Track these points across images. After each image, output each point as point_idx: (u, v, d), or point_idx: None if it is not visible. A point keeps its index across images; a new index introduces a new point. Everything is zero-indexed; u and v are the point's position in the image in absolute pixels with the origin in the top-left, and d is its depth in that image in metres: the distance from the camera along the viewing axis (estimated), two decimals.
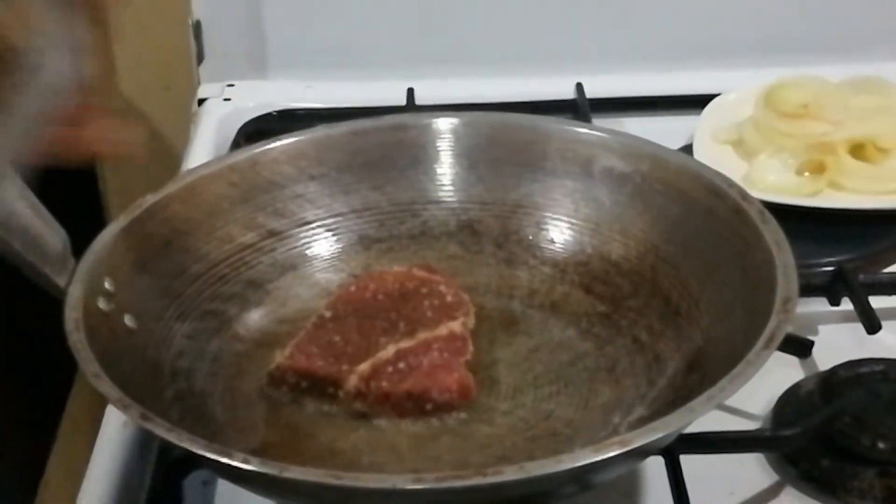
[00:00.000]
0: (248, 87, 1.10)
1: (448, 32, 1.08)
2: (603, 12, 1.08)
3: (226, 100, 1.09)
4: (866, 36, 1.09)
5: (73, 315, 0.62)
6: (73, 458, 0.73)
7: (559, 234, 0.77)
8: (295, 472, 0.52)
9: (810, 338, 0.76)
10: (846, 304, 0.77)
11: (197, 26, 1.10)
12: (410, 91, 1.01)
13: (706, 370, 0.64)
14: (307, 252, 0.77)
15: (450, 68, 1.06)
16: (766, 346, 0.58)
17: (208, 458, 0.53)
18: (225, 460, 0.52)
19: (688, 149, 0.94)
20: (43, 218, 0.64)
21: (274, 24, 1.09)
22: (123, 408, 0.56)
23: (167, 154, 1.21)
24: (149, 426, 0.55)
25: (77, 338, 0.61)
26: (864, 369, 0.72)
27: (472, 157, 0.79)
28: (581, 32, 1.08)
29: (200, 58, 1.10)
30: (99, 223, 0.70)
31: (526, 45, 1.09)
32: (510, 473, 0.51)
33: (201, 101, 1.09)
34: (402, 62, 1.08)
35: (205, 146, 1.01)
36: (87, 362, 0.59)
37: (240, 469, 0.52)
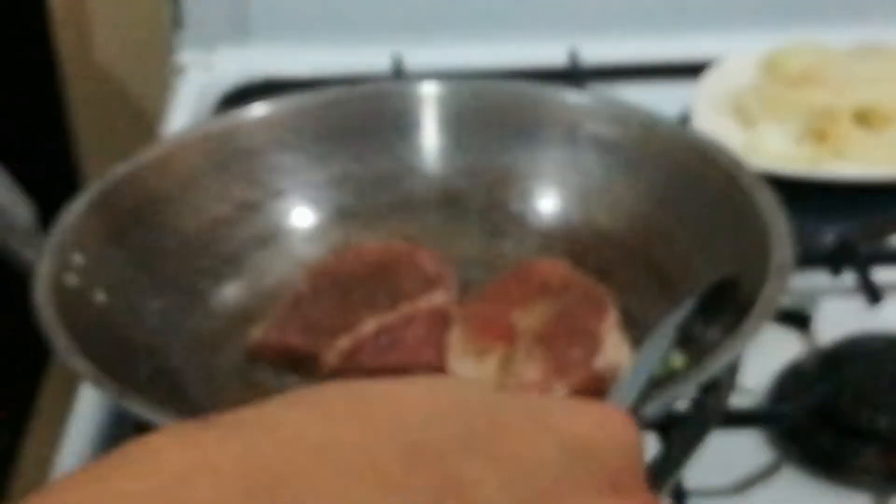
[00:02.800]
0: (230, 54, 1.06)
1: None
2: None
3: (205, 67, 1.05)
4: (871, 1, 1.06)
5: (42, 290, 0.60)
6: (49, 435, 0.71)
7: (546, 203, 0.74)
8: None
9: (811, 311, 0.75)
10: (847, 278, 0.76)
11: None
12: (398, 57, 0.99)
13: None
14: (283, 224, 0.74)
15: (439, 34, 1.03)
16: (762, 314, 0.56)
17: None
18: None
19: (686, 116, 0.92)
20: (10, 191, 0.62)
21: None
22: (98, 385, 0.54)
23: (145, 124, 1.19)
24: (126, 404, 0.53)
25: (47, 313, 0.58)
26: (864, 344, 0.71)
27: (455, 125, 0.76)
28: None
29: (179, 23, 1.07)
30: (73, 194, 0.67)
31: (518, 10, 1.06)
32: None
33: (180, 69, 1.06)
34: (388, 27, 1.05)
35: (184, 115, 0.98)
36: (59, 339, 0.57)
37: None
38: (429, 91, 0.77)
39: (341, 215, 0.75)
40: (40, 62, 1.18)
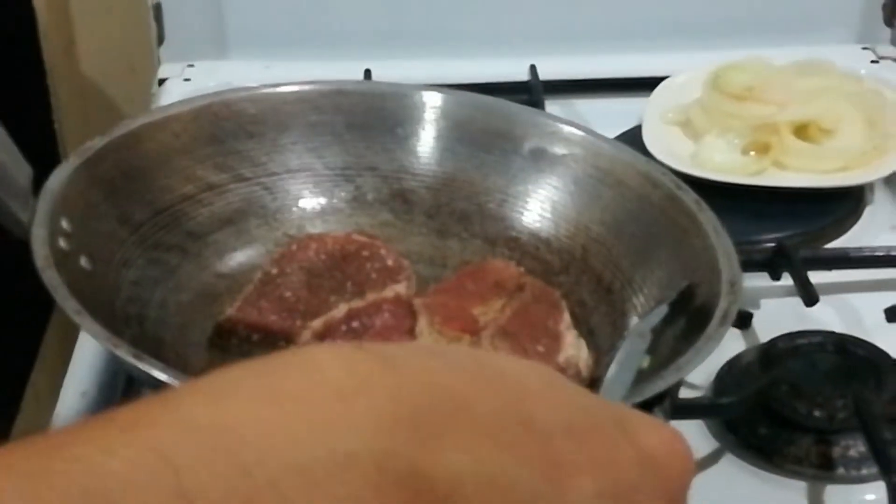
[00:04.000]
0: (208, 68, 1.10)
1: (405, 13, 1.10)
2: None
3: (186, 80, 1.09)
4: (811, 19, 1.13)
5: (42, 252, 0.62)
6: (51, 385, 0.72)
7: (490, 209, 0.79)
8: None
9: (751, 311, 0.79)
10: (787, 280, 0.80)
11: (157, 8, 1.10)
12: (367, 72, 1.03)
13: None
14: (244, 208, 0.78)
15: (407, 49, 1.08)
16: (722, 323, 0.62)
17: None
18: None
19: (637, 129, 0.96)
20: (11, 154, 0.64)
21: (234, 4, 1.10)
22: (113, 346, 0.56)
23: None
24: (143, 365, 0.55)
25: (50, 274, 0.60)
26: (802, 340, 0.75)
27: (410, 128, 0.81)
28: (535, 15, 1.11)
29: (161, 39, 1.10)
30: None
31: (481, 27, 1.11)
32: None
33: (161, 82, 1.09)
34: (359, 43, 1.09)
35: None
36: (65, 299, 0.59)
37: None
38: (390, 93, 0.82)
39: (297, 204, 0.79)
40: (28, 73, 1.18)
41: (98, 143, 0.72)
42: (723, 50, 1.05)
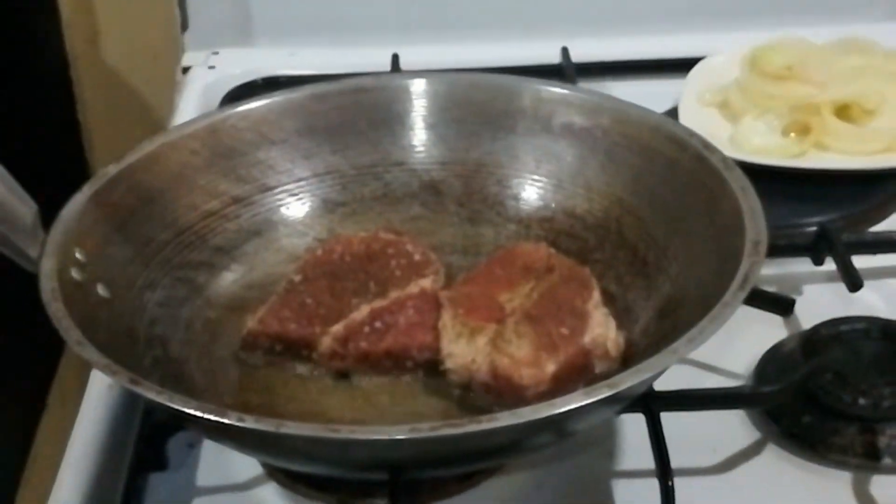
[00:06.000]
0: (233, 55, 1.09)
1: None
2: None
3: (210, 67, 1.08)
4: None
5: (49, 285, 0.62)
6: (62, 425, 0.73)
7: (522, 190, 0.78)
8: (291, 428, 0.52)
9: (794, 297, 0.76)
10: (829, 265, 0.77)
11: None
12: (395, 57, 1.01)
13: (679, 317, 0.64)
14: (271, 217, 0.77)
15: (435, 34, 1.06)
16: (741, 287, 0.59)
17: (202, 419, 0.53)
18: (220, 419, 0.53)
19: (673, 112, 0.94)
20: (13, 190, 0.64)
21: None
22: (112, 373, 0.56)
23: (153, 122, 1.21)
24: (139, 390, 0.55)
25: (56, 307, 0.60)
26: (845, 327, 0.72)
27: (433, 117, 0.79)
28: None
29: (185, 26, 1.10)
30: None
31: (511, 10, 1.09)
32: (504, 419, 0.52)
33: (186, 70, 1.08)
34: (386, 28, 1.08)
35: (189, 114, 0.99)
36: (69, 331, 0.59)
37: (235, 427, 0.53)
38: (406, 85, 0.80)
39: (326, 207, 0.78)
40: (51, 64, 1.19)
41: (112, 170, 0.72)
42: (759, 30, 1.01)
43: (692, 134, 0.72)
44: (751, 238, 0.63)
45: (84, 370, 0.67)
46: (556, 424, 0.56)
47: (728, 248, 0.63)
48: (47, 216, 0.66)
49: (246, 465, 0.66)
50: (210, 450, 0.68)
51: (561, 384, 0.62)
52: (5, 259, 0.64)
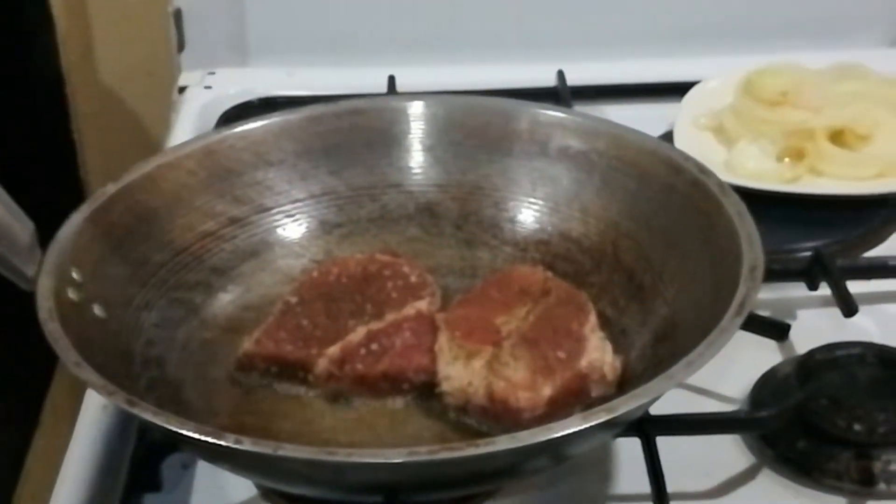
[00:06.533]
0: (230, 75, 1.10)
1: (430, 19, 1.08)
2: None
3: (207, 87, 1.09)
4: (846, 22, 1.10)
5: (46, 305, 0.62)
6: (55, 444, 0.73)
7: (518, 213, 0.78)
8: (289, 451, 0.52)
9: (788, 322, 0.76)
10: (824, 289, 0.77)
11: (177, 14, 1.09)
12: (392, 78, 1.01)
13: (675, 341, 0.65)
14: (268, 238, 0.77)
15: (431, 55, 1.06)
16: (738, 312, 0.59)
17: (199, 441, 0.53)
18: (218, 442, 0.53)
19: (668, 135, 0.94)
20: (9, 209, 0.64)
21: (255, 11, 1.09)
22: (108, 394, 0.56)
23: (149, 143, 1.21)
24: (136, 411, 0.55)
25: (52, 327, 0.60)
26: (840, 352, 0.72)
27: (430, 139, 0.79)
28: (563, 19, 1.09)
29: (181, 46, 1.10)
30: None
31: (507, 32, 1.09)
32: (502, 443, 0.52)
33: (182, 89, 1.09)
34: (383, 49, 1.08)
35: (185, 134, 0.99)
36: (66, 351, 0.59)
37: (232, 450, 0.53)
38: (403, 107, 0.80)
39: (322, 229, 0.78)
40: (46, 80, 1.19)
41: (109, 189, 0.72)
42: (753, 54, 1.01)
43: (688, 158, 0.72)
44: (748, 263, 0.63)
45: (77, 388, 0.67)
46: (554, 448, 0.56)
47: (724, 273, 0.64)
48: (40, 234, 0.66)
49: (241, 487, 0.66)
50: (205, 471, 0.68)
51: (557, 408, 0.62)
52: None
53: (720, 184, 0.69)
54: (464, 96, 0.81)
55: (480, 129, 0.79)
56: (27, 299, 0.63)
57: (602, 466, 0.68)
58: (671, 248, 0.70)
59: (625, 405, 0.54)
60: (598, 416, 0.53)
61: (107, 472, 0.68)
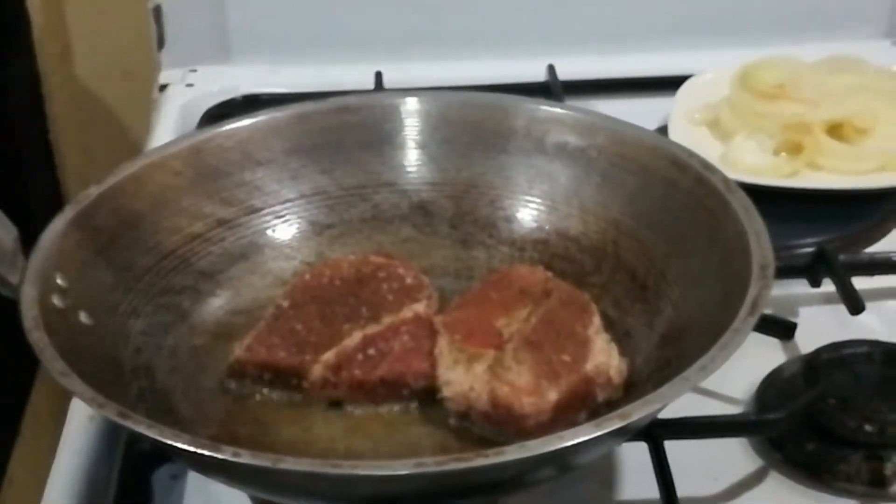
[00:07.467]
0: (211, 72, 1.07)
1: (417, 14, 1.06)
2: None
3: (188, 85, 1.06)
4: (842, 15, 1.09)
5: (30, 313, 0.60)
6: (37, 455, 0.70)
7: (515, 212, 0.76)
8: (290, 464, 0.50)
9: (793, 320, 0.74)
10: (827, 286, 0.76)
11: (157, 10, 1.07)
12: (378, 74, 0.99)
13: (683, 343, 0.63)
14: (258, 240, 0.75)
15: (418, 51, 1.04)
16: (751, 313, 0.57)
17: (195, 454, 0.51)
18: (214, 455, 0.50)
19: (663, 130, 0.93)
20: None
21: (237, 6, 1.06)
22: (98, 406, 0.54)
23: (129, 143, 1.18)
24: (129, 424, 0.53)
25: (38, 336, 0.58)
26: (847, 351, 0.71)
27: (423, 137, 0.77)
28: (552, 13, 1.07)
29: (161, 43, 1.07)
30: (58, 212, 0.67)
31: (497, 27, 1.07)
32: (512, 453, 0.50)
33: (163, 87, 1.06)
34: (369, 45, 1.06)
35: (167, 133, 0.97)
36: (52, 360, 0.57)
37: (229, 463, 0.50)
38: (398, 103, 0.78)
39: (313, 230, 0.76)
40: (23, 80, 1.17)
41: (93, 192, 0.69)
42: (748, 47, 1.00)
43: (691, 154, 0.70)
44: (758, 262, 0.61)
45: (60, 393, 0.64)
46: (563, 457, 0.54)
47: (733, 272, 0.62)
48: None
49: (233, 498, 0.64)
50: (195, 482, 0.66)
51: (562, 413, 0.60)
52: None
53: (725, 180, 0.67)
54: (458, 92, 0.79)
55: (475, 125, 0.76)
56: (5, 305, 0.60)
57: (608, 471, 0.66)
58: (674, 246, 0.68)
59: (638, 411, 0.52)
60: (612, 423, 0.51)
61: (95, 484, 0.66)
